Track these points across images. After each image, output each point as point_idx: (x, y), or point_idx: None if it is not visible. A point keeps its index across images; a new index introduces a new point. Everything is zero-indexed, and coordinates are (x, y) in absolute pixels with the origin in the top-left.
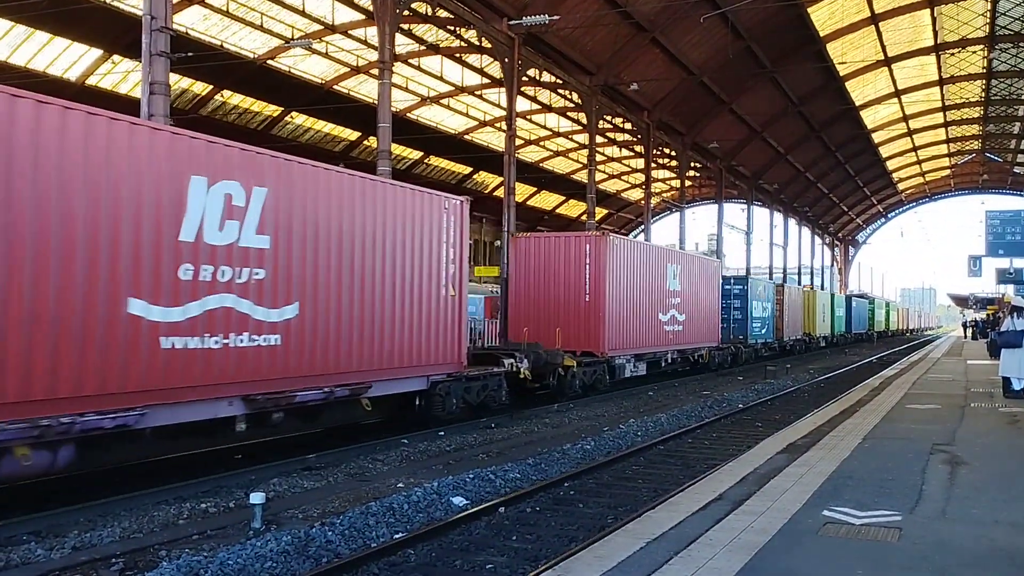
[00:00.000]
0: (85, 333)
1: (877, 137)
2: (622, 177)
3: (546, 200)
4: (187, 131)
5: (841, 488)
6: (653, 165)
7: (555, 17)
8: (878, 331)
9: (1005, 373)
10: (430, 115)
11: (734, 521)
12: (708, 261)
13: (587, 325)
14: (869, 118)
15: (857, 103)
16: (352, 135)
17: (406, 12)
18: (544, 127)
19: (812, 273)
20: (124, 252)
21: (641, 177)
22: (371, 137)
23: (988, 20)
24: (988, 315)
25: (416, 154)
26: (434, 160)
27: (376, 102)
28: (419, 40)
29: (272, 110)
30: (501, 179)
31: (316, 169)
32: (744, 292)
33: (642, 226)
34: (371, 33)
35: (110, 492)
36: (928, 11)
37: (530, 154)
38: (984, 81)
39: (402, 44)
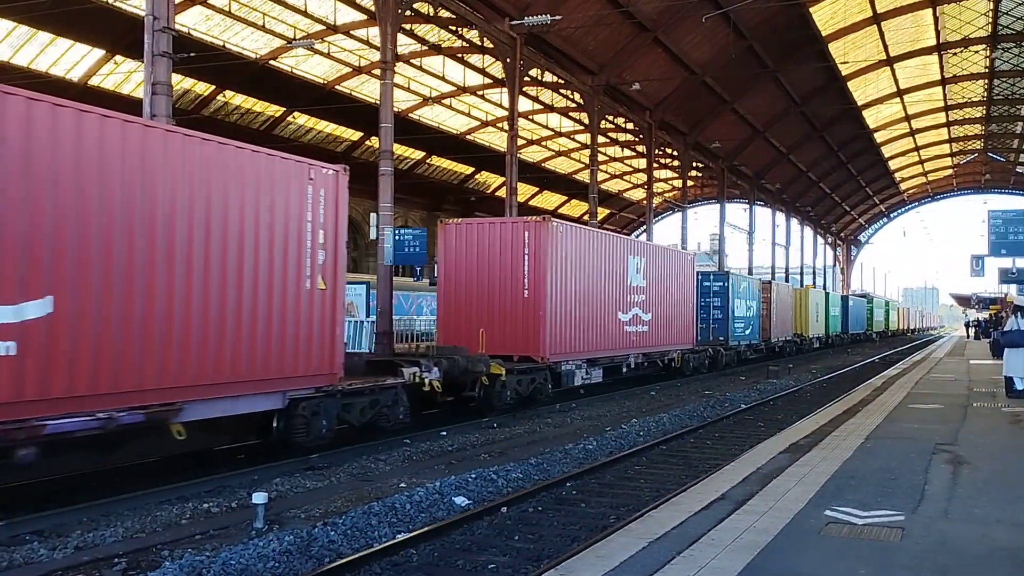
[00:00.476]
0: None
1: (879, 137)
2: (624, 177)
3: (548, 200)
4: None
5: (844, 488)
6: (655, 165)
7: (557, 17)
8: (877, 331)
9: (1008, 373)
10: (432, 115)
11: (736, 521)
12: (680, 254)
13: (525, 326)
14: (871, 118)
15: (859, 103)
16: (354, 135)
17: (408, 12)
18: (546, 127)
19: (815, 273)
20: None
21: (643, 177)
22: (373, 137)
23: (990, 20)
24: (991, 315)
25: (418, 154)
26: (436, 160)
27: (378, 102)
28: (421, 40)
29: (274, 110)
30: (503, 179)
31: (88, 115)
32: (725, 289)
33: (644, 226)
34: (373, 33)
35: (113, 492)
36: (930, 11)
37: (532, 154)
38: (986, 81)
39: (404, 44)
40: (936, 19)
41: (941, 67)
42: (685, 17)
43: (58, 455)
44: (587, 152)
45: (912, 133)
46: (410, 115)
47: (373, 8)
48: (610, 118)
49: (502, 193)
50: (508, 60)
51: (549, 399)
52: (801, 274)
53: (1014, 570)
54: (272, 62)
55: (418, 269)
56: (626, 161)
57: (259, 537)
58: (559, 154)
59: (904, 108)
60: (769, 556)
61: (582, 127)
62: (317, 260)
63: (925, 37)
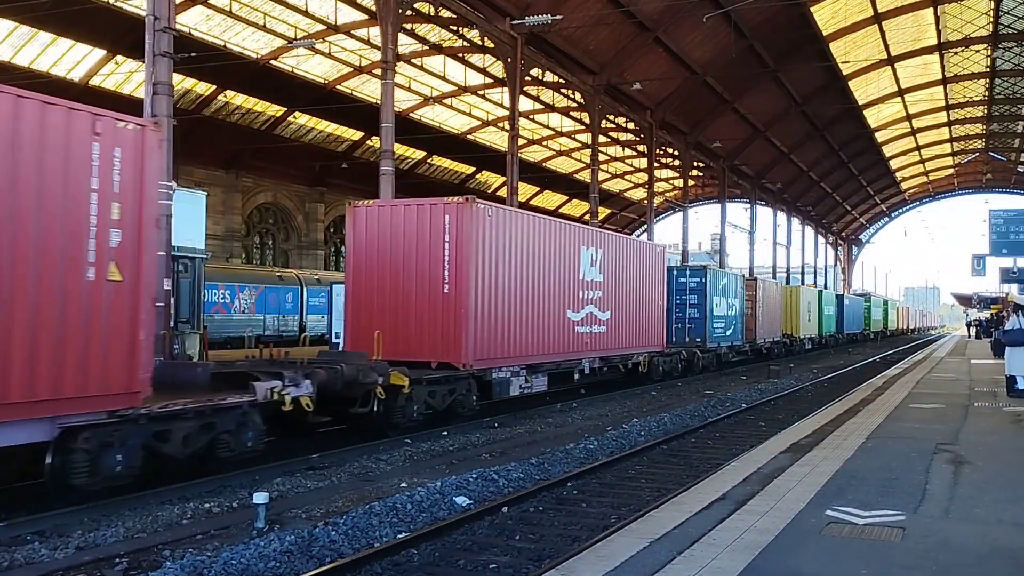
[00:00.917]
0: None
1: (880, 136)
2: (625, 177)
3: (549, 200)
4: None
5: (844, 488)
6: (656, 164)
7: (558, 17)
8: (875, 331)
9: (1010, 372)
10: (433, 115)
11: (737, 521)
12: (647, 246)
13: (445, 327)
14: (872, 117)
15: (860, 102)
16: (355, 135)
17: (408, 12)
18: (547, 127)
19: (815, 272)
20: None
21: (644, 177)
22: (374, 137)
23: (991, 19)
24: (992, 314)
25: (419, 154)
26: (437, 160)
27: (379, 102)
28: (422, 40)
29: (275, 110)
30: (504, 179)
31: None
32: (702, 286)
33: (645, 225)
34: (374, 33)
35: (114, 492)
36: (931, 10)
37: (533, 154)
38: (987, 80)
39: (405, 44)
40: (937, 18)
41: (942, 66)
42: (686, 17)
43: None
44: (588, 152)
45: (913, 132)
46: (411, 115)
47: (374, 8)
48: (611, 118)
49: (503, 193)
50: (509, 60)
51: (471, 411)
52: (802, 274)
53: (1015, 570)
54: (273, 62)
55: None
56: (627, 161)
57: (260, 537)
58: (560, 154)
59: (905, 107)
60: (770, 556)
61: (583, 127)
62: (108, 242)
63: (926, 36)
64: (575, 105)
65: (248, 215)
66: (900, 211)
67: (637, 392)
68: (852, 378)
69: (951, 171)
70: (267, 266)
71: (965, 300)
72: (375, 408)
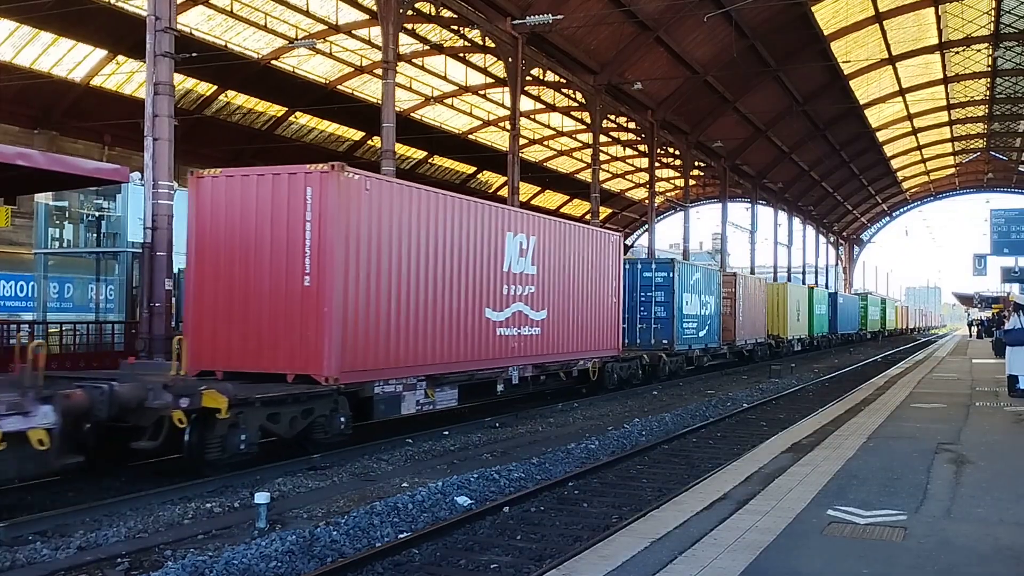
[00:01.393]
0: None
1: (881, 136)
2: (626, 176)
3: (550, 200)
4: None
5: (846, 487)
6: (657, 164)
7: (558, 16)
8: (873, 331)
9: (1011, 371)
10: (434, 115)
11: (739, 520)
12: (597, 234)
13: (304, 329)
14: (873, 117)
15: (861, 101)
16: (356, 135)
17: (410, 12)
18: (548, 126)
19: (817, 272)
20: None
21: (645, 176)
22: (375, 137)
23: (993, 18)
24: (993, 314)
25: (420, 154)
26: (438, 160)
27: (380, 102)
28: (423, 40)
29: (276, 110)
30: (505, 179)
31: None
32: (669, 281)
33: (646, 225)
34: (375, 33)
35: (115, 492)
36: (932, 9)
37: (534, 153)
38: (989, 79)
39: (406, 44)
40: (938, 18)
41: (943, 66)
42: (687, 16)
43: None
44: (589, 151)
45: (914, 132)
46: (412, 115)
47: (375, 8)
48: (612, 117)
49: (504, 193)
50: (510, 59)
51: (339, 438)
52: (803, 273)
53: (1017, 569)
54: (274, 62)
55: None
56: (628, 160)
57: (262, 537)
58: (561, 153)
59: (906, 107)
60: (771, 556)
61: (584, 126)
62: None
63: (927, 36)
64: (576, 105)
65: None
66: (901, 211)
67: (638, 392)
68: (853, 378)
69: (952, 171)
70: None
71: (966, 300)
72: (188, 439)
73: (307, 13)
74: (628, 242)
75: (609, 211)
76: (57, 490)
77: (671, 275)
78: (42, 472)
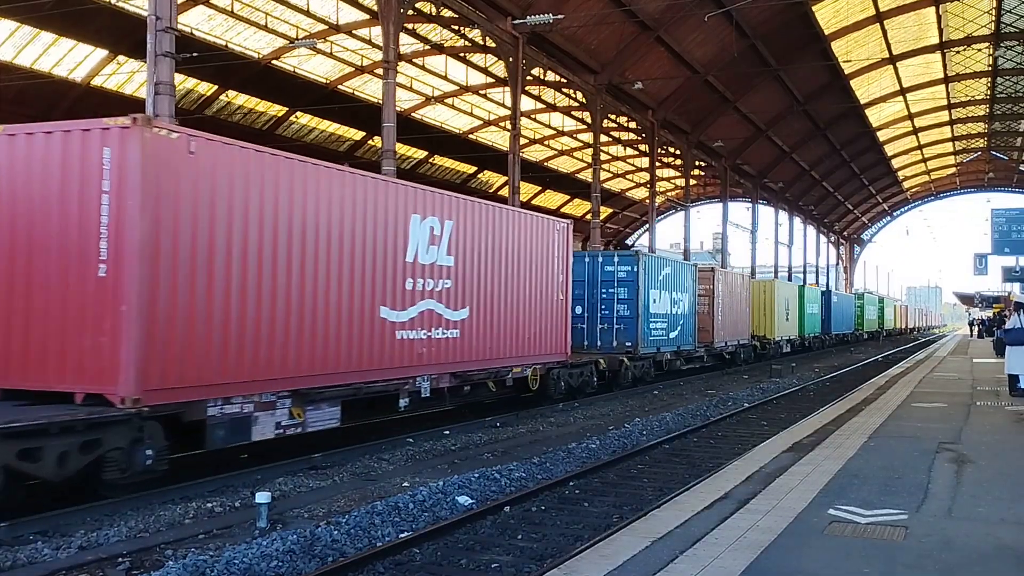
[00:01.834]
0: None
1: (882, 135)
2: (627, 176)
3: (551, 199)
4: None
5: (847, 487)
6: (658, 164)
7: (559, 16)
8: (870, 331)
9: (1011, 371)
10: (434, 115)
11: (740, 520)
12: (537, 220)
13: (97, 333)
14: (874, 116)
15: (862, 101)
16: (357, 135)
17: (410, 12)
18: (548, 126)
19: (818, 272)
20: None
21: (646, 176)
22: (376, 137)
23: (993, 17)
24: (994, 313)
25: (421, 153)
26: (439, 160)
27: (380, 102)
28: (423, 40)
29: (277, 110)
30: (506, 178)
31: None
32: (633, 276)
33: (647, 225)
34: (375, 33)
35: (116, 492)
36: (933, 8)
37: (534, 153)
38: (989, 79)
39: (406, 44)
40: (939, 17)
41: (944, 65)
42: (687, 16)
43: None
44: (590, 151)
45: (915, 132)
46: (412, 114)
47: (375, 8)
48: (612, 117)
49: (505, 192)
50: (510, 59)
51: (152, 476)
52: (804, 273)
53: (1018, 569)
54: (275, 62)
55: None
56: (629, 160)
57: (262, 536)
58: (561, 153)
59: (907, 106)
60: (772, 555)
61: (584, 126)
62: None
63: (928, 35)
64: (577, 105)
65: None
66: (902, 210)
67: (638, 391)
68: (853, 377)
69: (953, 170)
70: None
71: (967, 299)
72: None
73: (308, 13)
74: (629, 242)
75: (610, 211)
76: (57, 490)
77: (635, 269)
78: None
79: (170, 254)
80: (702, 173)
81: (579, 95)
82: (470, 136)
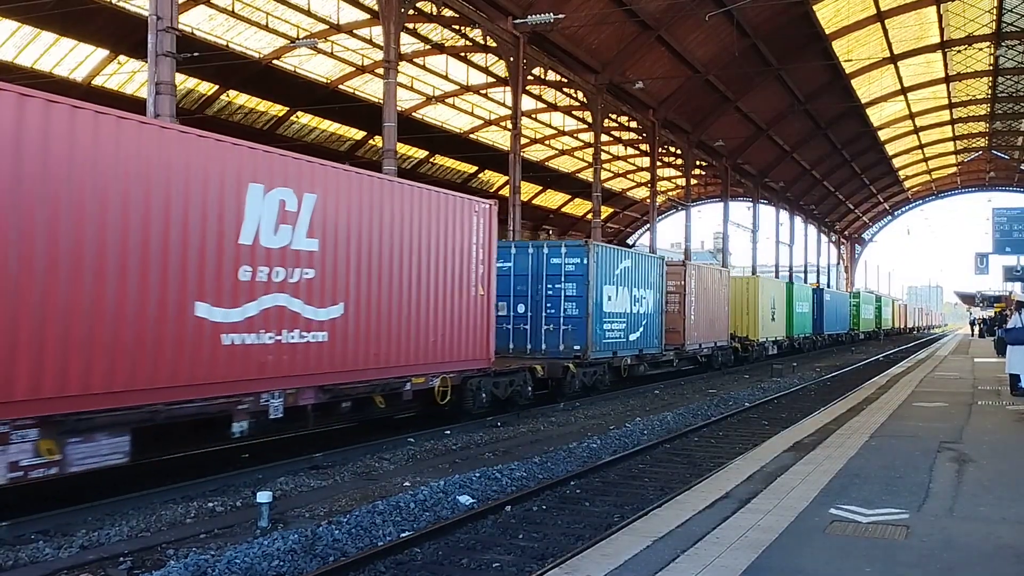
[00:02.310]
0: None
1: (883, 135)
2: (628, 176)
3: (552, 199)
4: None
5: (848, 486)
6: (659, 163)
7: (560, 16)
8: (867, 331)
9: (1012, 370)
10: (435, 114)
11: (741, 519)
12: (444, 199)
13: None
14: (875, 116)
15: (863, 100)
16: (358, 134)
17: (411, 11)
18: (549, 126)
19: (819, 271)
20: None
21: (647, 176)
22: (376, 136)
23: (994, 17)
24: (995, 313)
25: (422, 153)
26: (439, 159)
27: (381, 101)
28: (424, 39)
29: (278, 110)
30: (507, 178)
31: None
32: (583, 270)
33: (648, 224)
34: (376, 32)
35: (117, 491)
36: (934, 8)
37: (535, 153)
38: (991, 78)
39: (407, 43)
40: (940, 16)
41: (945, 65)
42: (688, 15)
43: None
44: (590, 151)
45: (916, 131)
46: (413, 114)
47: (376, 7)
48: (613, 116)
49: (506, 192)
50: (511, 59)
51: None
52: (805, 272)
53: (1020, 568)
54: (275, 61)
55: None
56: (630, 160)
57: (264, 536)
58: (562, 153)
59: (908, 106)
60: (773, 554)
61: (585, 126)
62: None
63: (929, 35)
64: (577, 104)
65: None
66: (903, 210)
67: (639, 391)
68: (855, 377)
69: (954, 170)
70: None
71: (968, 298)
72: None
73: (308, 13)
74: (630, 241)
75: (611, 210)
76: (58, 489)
77: (584, 262)
78: None
79: None
80: (703, 172)
81: (580, 95)
82: (471, 136)
